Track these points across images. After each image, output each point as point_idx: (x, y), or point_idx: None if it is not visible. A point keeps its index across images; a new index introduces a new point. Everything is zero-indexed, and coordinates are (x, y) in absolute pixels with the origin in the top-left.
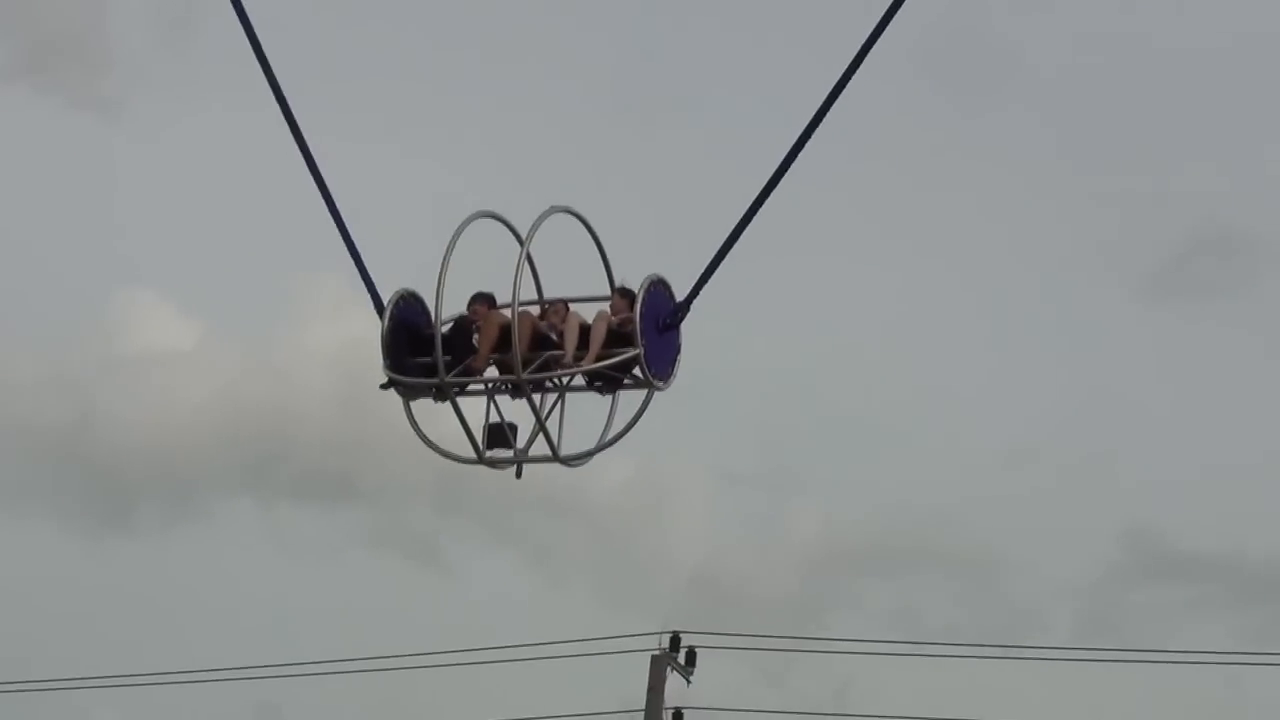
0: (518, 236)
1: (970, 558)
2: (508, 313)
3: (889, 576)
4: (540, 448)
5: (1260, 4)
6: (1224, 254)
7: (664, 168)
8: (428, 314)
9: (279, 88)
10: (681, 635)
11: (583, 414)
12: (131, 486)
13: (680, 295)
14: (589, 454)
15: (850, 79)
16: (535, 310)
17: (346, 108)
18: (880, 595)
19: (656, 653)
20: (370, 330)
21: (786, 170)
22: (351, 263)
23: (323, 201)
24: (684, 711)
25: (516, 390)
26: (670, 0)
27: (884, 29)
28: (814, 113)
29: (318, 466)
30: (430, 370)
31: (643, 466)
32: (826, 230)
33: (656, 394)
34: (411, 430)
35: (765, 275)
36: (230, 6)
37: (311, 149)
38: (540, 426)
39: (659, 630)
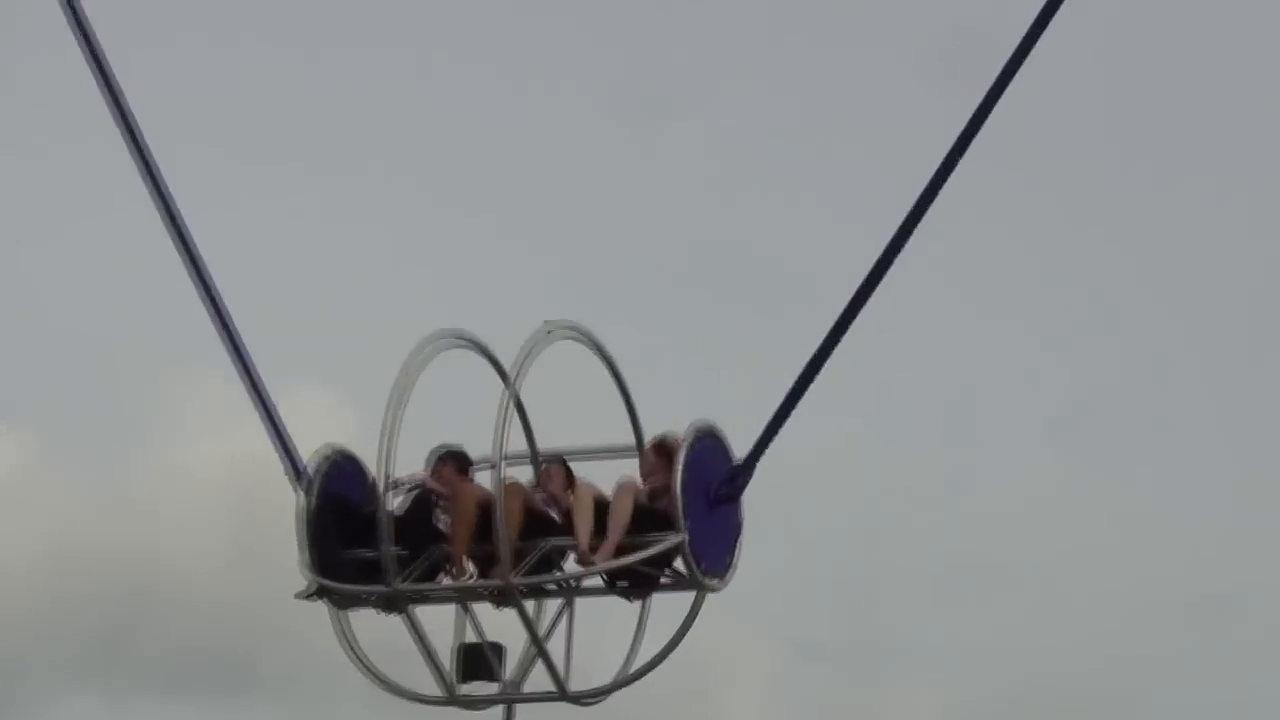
0: (501, 371)
1: None
2: (487, 481)
3: None
4: (539, 679)
5: None
6: None
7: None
8: (368, 484)
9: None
10: None
11: (599, 621)
12: None
13: (739, 451)
14: (608, 690)
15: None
16: (526, 475)
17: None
18: None
19: None
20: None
21: (858, 310)
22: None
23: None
24: None
25: (503, 596)
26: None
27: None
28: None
29: (192, 643)
30: (374, 570)
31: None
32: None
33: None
34: (346, 654)
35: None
36: None
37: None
38: (539, 649)
39: None
